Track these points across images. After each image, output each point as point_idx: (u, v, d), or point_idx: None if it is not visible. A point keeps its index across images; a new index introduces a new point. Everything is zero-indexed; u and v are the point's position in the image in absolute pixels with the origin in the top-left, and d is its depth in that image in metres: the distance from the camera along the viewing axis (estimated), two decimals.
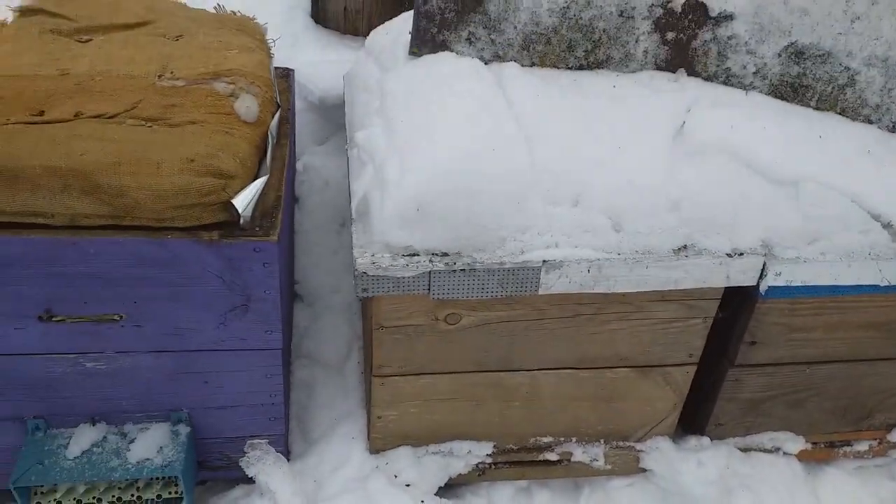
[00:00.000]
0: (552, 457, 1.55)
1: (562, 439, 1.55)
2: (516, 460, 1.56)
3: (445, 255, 1.25)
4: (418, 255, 1.24)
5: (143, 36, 1.55)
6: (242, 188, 1.22)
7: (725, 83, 1.41)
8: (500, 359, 1.42)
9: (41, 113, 1.27)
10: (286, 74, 1.76)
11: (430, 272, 1.24)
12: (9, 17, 1.56)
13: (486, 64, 1.40)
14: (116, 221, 1.17)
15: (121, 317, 1.25)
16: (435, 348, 1.39)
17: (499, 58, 1.41)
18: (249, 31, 1.67)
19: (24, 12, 1.56)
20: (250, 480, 1.50)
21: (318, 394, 1.67)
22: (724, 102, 1.37)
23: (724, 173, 1.29)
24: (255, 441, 1.45)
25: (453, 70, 1.37)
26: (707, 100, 1.36)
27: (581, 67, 1.41)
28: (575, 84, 1.39)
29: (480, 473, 1.55)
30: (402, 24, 1.59)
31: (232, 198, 1.19)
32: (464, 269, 1.24)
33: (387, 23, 1.72)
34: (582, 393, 1.48)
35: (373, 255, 1.23)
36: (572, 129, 1.31)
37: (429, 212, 1.22)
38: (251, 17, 1.72)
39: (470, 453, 1.52)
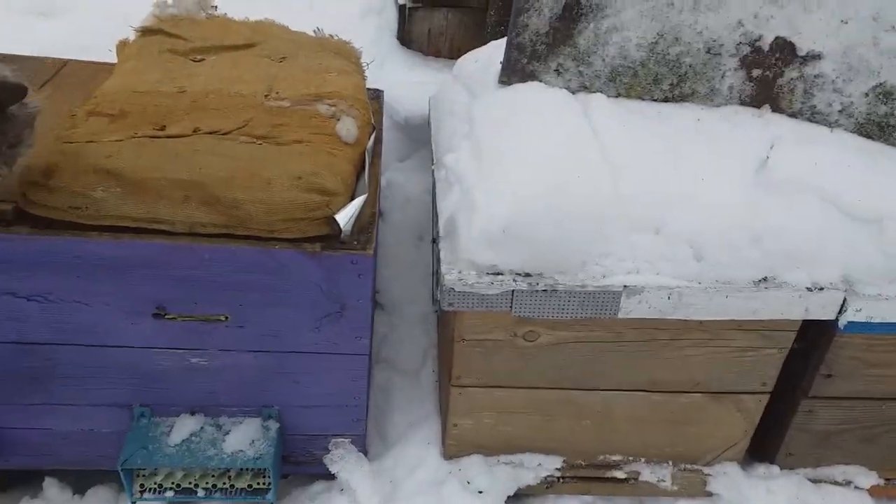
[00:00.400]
0: (620, 475, 1.59)
1: (630, 458, 1.59)
2: (584, 476, 1.60)
3: (528, 275, 1.32)
4: (502, 274, 1.31)
5: (250, 57, 1.67)
6: (344, 205, 1.31)
7: (810, 120, 1.43)
8: (574, 377, 1.47)
9: (163, 128, 1.39)
10: (376, 96, 1.86)
11: (513, 291, 1.30)
12: (131, 35, 1.70)
13: (573, 94, 1.46)
14: (230, 231, 1.28)
15: (226, 318, 1.36)
16: (512, 363, 1.45)
17: (585, 88, 1.47)
18: (346, 55, 1.78)
19: (144, 32, 1.70)
20: (329, 477, 1.59)
21: (394, 398, 1.75)
22: (808, 139, 1.39)
23: (807, 209, 1.32)
24: (339, 440, 1.54)
25: (542, 99, 1.44)
26: (791, 136, 1.39)
27: (666, 100, 1.46)
28: (660, 116, 1.44)
29: (548, 486, 1.60)
30: (491, 53, 1.67)
31: (335, 213, 1.29)
32: (545, 290, 1.30)
33: (475, 51, 1.80)
34: (654, 415, 1.51)
35: (459, 272, 1.31)
36: (656, 159, 1.36)
37: (514, 234, 1.28)
38: (347, 41, 1.83)
39: (540, 466, 1.57)
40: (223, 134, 1.38)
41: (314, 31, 1.84)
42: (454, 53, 2.52)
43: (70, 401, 1.44)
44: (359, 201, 1.33)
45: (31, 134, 1.16)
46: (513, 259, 1.30)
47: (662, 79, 1.43)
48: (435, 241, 2.03)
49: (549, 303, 1.32)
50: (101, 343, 1.37)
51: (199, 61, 1.64)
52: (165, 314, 1.34)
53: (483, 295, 1.30)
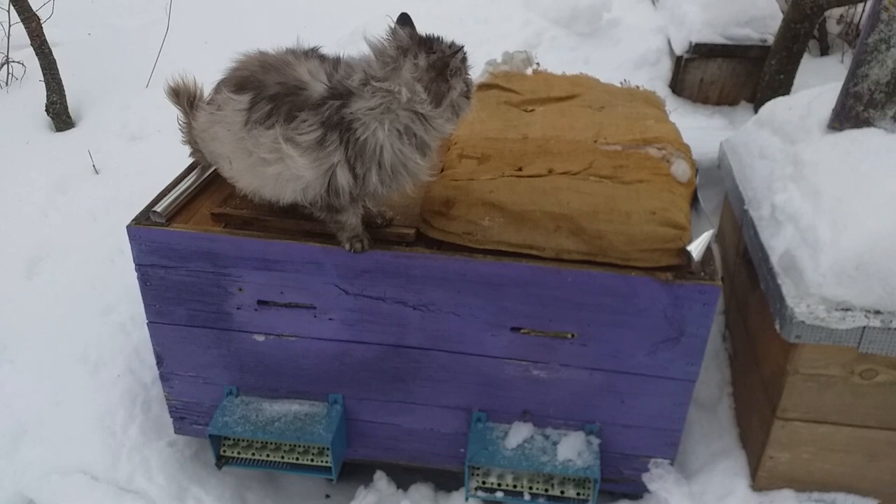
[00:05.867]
0: None
1: None
2: None
3: (879, 312, 1.36)
4: (851, 310, 1.36)
5: (574, 107, 1.87)
6: (691, 239, 1.44)
7: None
8: None
9: (520, 168, 1.60)
10: None
11: (864, 327, 1.35)
12: None
13: None
14: (590, 258, 1.45)
15: (573, 335, 1.52)
16: (843, 400, 1.47)
17: None
18: (654, 103, 1.93)
19: (481, 87, 1.97)
20: (634, 496, 1.69)
21: (693, 429, 1.82)
22: None
23: None
24: (659, 460, 1.64)
25: (883, 144, 1.49)
26: None
27: None
28: None
29: None
30: (807, 100, 1.74)
31: (687, 245, 1.42)
32: None
33: (783, 98, 1.88)
34: None
35: (808, 306, 1.38)
36: None
37: (867, 271, 1.34)
38: (653, 90, 1.99)
39: None
40: (573, 174, 1.57)
41: (621, 83, 2.01)
42: (721, 100, 2.61)
43: (423, 401, 1.67)
44: (708, 235, 1.45)
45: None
46: (864, 295, 1.35)
47: None
48: (723, 279, 2.10)
49: None
50: (462, 350, 1.58)
51: (531, 111, 1.87)
52: (521, 329, 1.53)
53: (832, 329, 1.36)
